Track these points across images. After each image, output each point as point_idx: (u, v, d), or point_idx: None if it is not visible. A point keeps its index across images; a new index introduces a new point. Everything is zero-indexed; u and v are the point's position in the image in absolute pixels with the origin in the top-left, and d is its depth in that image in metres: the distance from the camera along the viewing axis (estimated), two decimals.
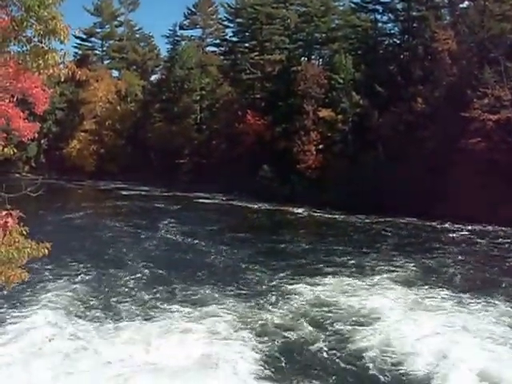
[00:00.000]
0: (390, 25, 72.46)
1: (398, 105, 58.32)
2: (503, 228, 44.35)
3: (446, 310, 24.25)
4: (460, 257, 35.31)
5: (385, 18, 72.24)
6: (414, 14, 65.66)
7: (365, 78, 63.75)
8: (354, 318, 22.94)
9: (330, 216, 52.39)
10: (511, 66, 52.17)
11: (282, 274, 30.13)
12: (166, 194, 71.95)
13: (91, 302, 24.70)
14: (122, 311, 23.39)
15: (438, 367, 18.14)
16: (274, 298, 25.70)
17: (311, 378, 17.76)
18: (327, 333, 21.49)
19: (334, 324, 22.38)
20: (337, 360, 19.11)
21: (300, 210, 55.95)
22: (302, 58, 78.01)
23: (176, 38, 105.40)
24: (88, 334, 20.72)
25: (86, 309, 23.76)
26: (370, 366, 18.61)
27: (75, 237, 40.34)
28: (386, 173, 53.75)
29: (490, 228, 44.84)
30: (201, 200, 65.65)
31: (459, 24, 59.97)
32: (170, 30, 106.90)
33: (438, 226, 46.52)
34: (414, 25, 66.44)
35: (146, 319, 22.41)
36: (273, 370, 18.16)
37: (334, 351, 19.74)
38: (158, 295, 25.89)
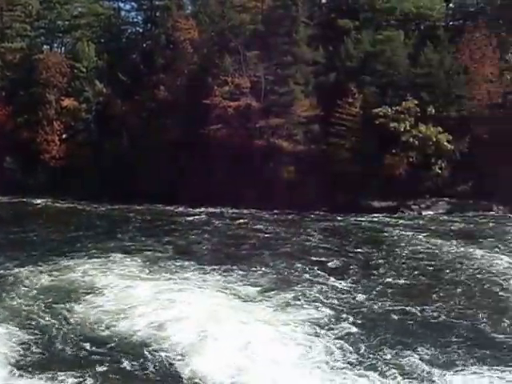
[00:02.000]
0: (133, 13, 72.25)
1: (141, 93, 58.25)
2: (244, 210, 46.05)
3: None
4: (205, 236, 37.36)
5: (128, 7, 72.12)
6: (157, 3, 65.74)
7: (108, 66, 62.84)
8: (86, 297, 23.63)
9: (74, 205, 51.45)
10: (250, 55, 54.01)
11: (22, 263, 29.43)
12: None
13: None
14: None
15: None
16: (16, 287, 25.40)
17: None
18: (64, 316, 21.93)
19: (70, 304, 22.95)
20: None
21: (43, 201, 53.92)
22: (45, 46, 75.06)
23: None
24: None
25: None
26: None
27: None
28: (130, 160, 53.77)
29: (235, 210, 46.41)
30: None
31: (201, 14, 61.08)
32: None
33: (184, 210, 47.78)
34: (157, 14, 66.58)
35: None
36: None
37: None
38: None
